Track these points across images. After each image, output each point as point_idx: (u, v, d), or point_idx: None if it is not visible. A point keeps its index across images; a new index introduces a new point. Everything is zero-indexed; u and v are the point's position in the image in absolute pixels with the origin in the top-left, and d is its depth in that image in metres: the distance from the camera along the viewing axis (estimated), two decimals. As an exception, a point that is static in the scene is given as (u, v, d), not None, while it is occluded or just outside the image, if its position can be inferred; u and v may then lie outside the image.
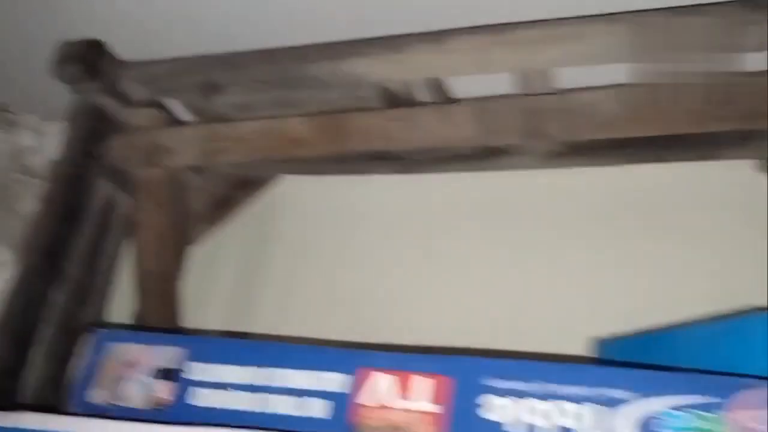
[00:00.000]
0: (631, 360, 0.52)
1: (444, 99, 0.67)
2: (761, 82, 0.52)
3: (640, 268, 0.68)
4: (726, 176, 0.70)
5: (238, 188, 0.84)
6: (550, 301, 0.68)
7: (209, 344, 0.42)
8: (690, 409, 0.33)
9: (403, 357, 0.38)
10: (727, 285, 0.65)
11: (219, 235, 0.85)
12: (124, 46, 0.71)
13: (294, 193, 0.84)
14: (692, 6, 0.54)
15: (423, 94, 0.66)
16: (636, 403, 0.34)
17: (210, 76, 0.68)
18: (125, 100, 0.71)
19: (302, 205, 0.83)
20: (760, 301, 0.63)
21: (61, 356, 0.64)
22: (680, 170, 0.71)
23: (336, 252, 0.79)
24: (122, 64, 0.70)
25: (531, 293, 0.69)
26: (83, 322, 0.67)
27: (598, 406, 0.34)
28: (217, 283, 0.81)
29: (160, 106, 0.73)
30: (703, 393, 0.34)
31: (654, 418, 0.33)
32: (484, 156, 0.71)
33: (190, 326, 0.75)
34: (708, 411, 0.33)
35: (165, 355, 0.42)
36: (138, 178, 0.70)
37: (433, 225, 0.77)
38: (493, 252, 0.73)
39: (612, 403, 0.34)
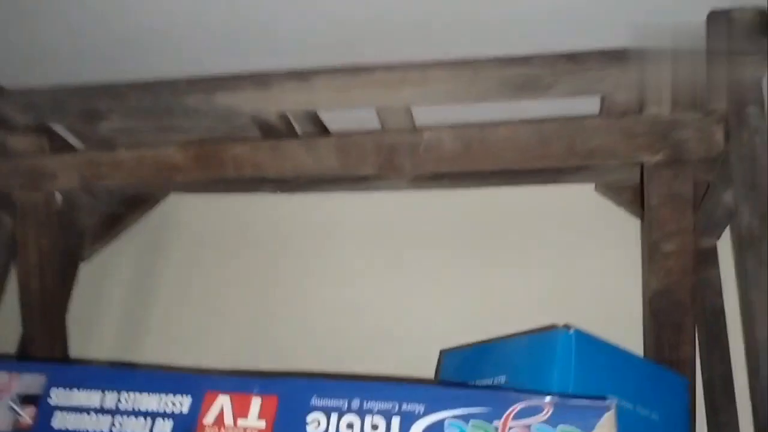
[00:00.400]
0: (462, 370, 0.59)
1: (316, 129, 0.73)
2: (578, 124, 0.61)
3: (493, 282, 0.76)
4: (571, 197, 0.79)
5: (129, 206, 0.87)
6: (412, 314, 0.76)
7: (69, 371, 0.47)
8: (469, 419, 0.40)
9: (241, 380, 0.44)
10: (568, 296, 0.74)
11: (109, 251, 0.88)
12: (6, 73, 0.73)
13: (183, 211, 0.88)
14: (520, 57, 0.61)
15: (298, 124, 0.72)
16: (428, 416, 0.40)
17: (91, 104, 0.71)
18: (8, 127, 0.73)
19: (191, 222, 0.87)
20: (603, 310, 0.72)
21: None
22: (531, 192, 0.80)
23: (222, 269, 0.84)
24: (4, 92, 0.73)
25: (396, 309, 0.76)
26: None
27: (400, 418, 0.41)
28: (107, 298, 0.85)
29: (46, 131, 0.75)
30: (483, 405, 0.40)
31: (437, 427, 0.40)
32: (358, 179, 0.78)
33: (78, 341, 0.79)
34: (484, 420, 0.40)
35: (29, 381, 0.46)
36: (20, 201, 0.73)
37: (315, 243, 0.83)
38: (373, 269, 0.80)
39: (410, 416, 0.41)
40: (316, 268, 0.81)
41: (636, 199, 0.72)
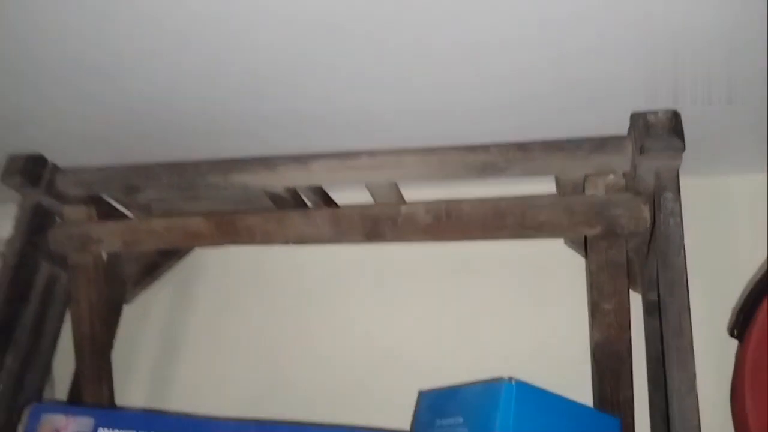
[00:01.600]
0: (432, 409, 0.71)
1: (319, 198, 0.85)
2: (529, 202, 0.72)
3: (471, 329, 0.87)
4: (543, 250, 0.89)
5: (163, 255, 1.01)
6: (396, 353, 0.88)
7: (113, 414, 0.60)
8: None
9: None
10: (539, 343, 0.85)
11: (148, 294, 1.03)
12: (62, 154, 0.88)
13: (208, 261, 1.02)
14: (480, 145, 0.73)
15: (303, 194, 0.85)
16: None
17: (130, 180, 0.85)
18: (62, 199, 0.88)
19: (214, 271, 1.01)
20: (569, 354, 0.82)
21: (10, 414, 0.82)
22: (508, 246, 0.90)
23: (240, 316, 0.97)
24: (58, 170, 0.88)
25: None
26: (29, 384, 0.84)
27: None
28: (144, 339, 0.99)
29: (94, 201, 0.90)
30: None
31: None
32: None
33: (120, 376, 0.93)
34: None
35: (81, 422, 0.60)
36: (73, 261, 0.87)
37: (337, 290, 0.94)
38: (397, 317, 0.90)
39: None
40: (331, 315, 0.93)
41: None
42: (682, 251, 0.63)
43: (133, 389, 0.96)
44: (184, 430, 0.55)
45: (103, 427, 0.58)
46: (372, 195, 0.82)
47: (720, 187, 0.82)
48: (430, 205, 0.74)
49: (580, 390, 0.74)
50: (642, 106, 0.66)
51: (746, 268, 0.78)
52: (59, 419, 0.60)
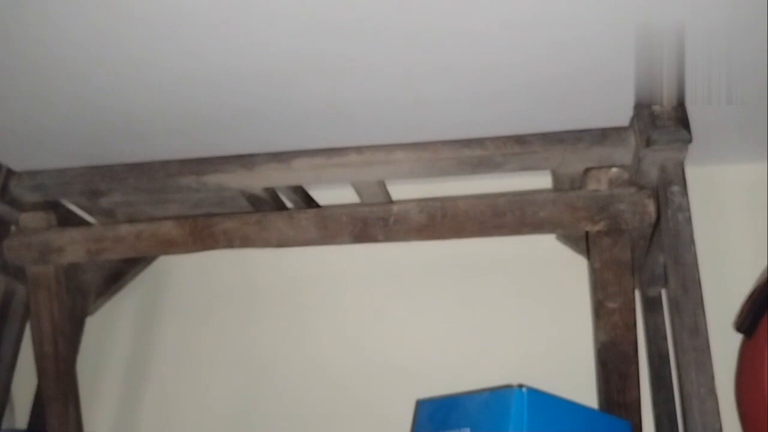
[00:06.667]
0: (434, 419, 0.67)
1: (299, 197, 0.80)
2: (529, 198, 0.68)
3: (464, 329, 0.84)
4: (534, 246, 0.86)
5: (128, 262, 0.95)
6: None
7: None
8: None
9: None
10: (532, 341, 0.82)
11: (111, 305, 0.96)
12: (15, 157, 0.80)
13: (175, 267, 0.95)
14: (474, 139, 0.69)
15: (283, 194, 0.80)
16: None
17: (93, 184, 0.78)
18: (18, 205, 0.81)
19: (189, 277, 0.95)
20: (565, 353, 0.79)
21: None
22: (498, 242, 0.86)
23: (223, 325, 0.91)
24: (13, 174, 0.80)
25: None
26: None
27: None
28: (110, 354, 0.92)
29: (55, 206, 0.83)
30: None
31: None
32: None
33: (85, 391, 0.86)
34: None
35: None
36: (31, 273, 0.80)
37: (324, 294, 0.89)
38: (380, 318, 0.86)
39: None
40: (318, 321, 0.88)
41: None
42: (693, 247, 0.60)
43: (98, 411, 0.89)
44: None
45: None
46: (358, 194, 0.77)
47: (715, 177, 0.80)
48: (424, 204, 0.70)
49: (582, 392, 0.71)
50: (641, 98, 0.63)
51: (744, 262, 0.76)
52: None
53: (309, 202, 0.82)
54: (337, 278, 0.89)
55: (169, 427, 0.87)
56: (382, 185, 0.76)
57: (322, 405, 0.82)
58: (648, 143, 0.62)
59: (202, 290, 0.94)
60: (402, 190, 0.80)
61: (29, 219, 0.81)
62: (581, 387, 0.72)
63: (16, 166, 0.81)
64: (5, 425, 0.83)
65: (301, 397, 0.84)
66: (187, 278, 0.95)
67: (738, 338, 0.70)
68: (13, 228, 0.82)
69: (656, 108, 0.63)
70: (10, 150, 0.80)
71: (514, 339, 0.81)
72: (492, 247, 0.79)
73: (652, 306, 0.75)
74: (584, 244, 0.82)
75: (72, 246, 0.79)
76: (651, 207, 0.65)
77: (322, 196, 0.83)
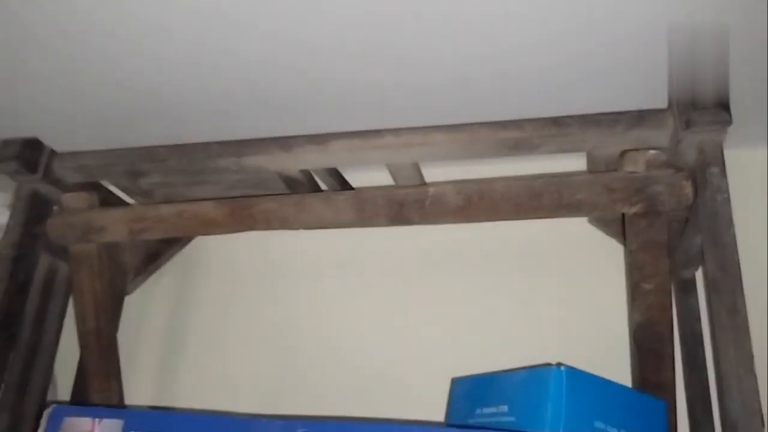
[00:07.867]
0: (470, 397, 0.68)
1: (335, 181, 0.81)
2: (565, 180, 0.69)
3: (494, 312, 0.84)
4: (566, 229, 0.87)
5: (166, 243, 0.97)
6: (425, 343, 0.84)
7: (143, 416, 0.56)
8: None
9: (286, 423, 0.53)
10: (565, 324, 0.82)
11: (150, 284, 0.98)
12: (59, 139, 0.82)
13: (212, 247, 0.97)
14: (512, 121, 0.69)
15: (319, 177, 0.81)
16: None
17: (134, 165, 0.80)
18: (61, 186, 0.83)
19: (223, 258, 0.97)
20: (597, 336, 0.80)
21: (15, 416, 0.77)
22: (528, 225, 0.86)
23: (255, 305, 0.93)
24: (56, 155, 0.82)
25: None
26: (34, 384, 0.79)
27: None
28: (147, 332, 0.95)
29: (95, 187, 0.85)
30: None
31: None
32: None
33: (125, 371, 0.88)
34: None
35: (109, 426, 0.56)
36: (74, 252, 0.82)
37: (353, 277, 0.90)
38: (409, 304, 0.87)
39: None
40: (347, 303, 0.89)
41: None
42: (732, 228, 0.61)
43: (136, 386, 0.91)
44: (224, 430, 0.51)
45: (134, 430, 0.54)
46: (393, 176, 0.78)
47: (752, 160, 0.80)
48: (461, 186, 0.71)
49: (614, 374, 0.72)
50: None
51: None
52: (84, 423, 0.56)
53: (343, 184, 0.83)
54: (367, 262, 0.90)
55: (204, 403, 0.89)
56: (416, 167, 0.77)
57: (350, 385, 0.84)
58: (688, 125, 0.62)
59: (233, 271, 0.95)
60: (434, 173, 0.81)
61: (72, 199, 0.83)
62: (613, 369, 0.73)
63: (59, 147, 0.83)
64: (49, 399, 0.85)
65: (328, 375, 0.85)
66: (219, 259, 0.97)
67: None
68: (55, 208, 0.84)
69: (696, 89, 0.63)
70: (53, 132, 0.81)
71: (548, 321, 0.82)
72: (524, 229, 0.79)
73: (686, 287, 0.76)
74: (617, 226, 0.82)
75: (114, 225, 0.81)
76: (688, 189, 0.65)
77: (355, 178, 0.84)
